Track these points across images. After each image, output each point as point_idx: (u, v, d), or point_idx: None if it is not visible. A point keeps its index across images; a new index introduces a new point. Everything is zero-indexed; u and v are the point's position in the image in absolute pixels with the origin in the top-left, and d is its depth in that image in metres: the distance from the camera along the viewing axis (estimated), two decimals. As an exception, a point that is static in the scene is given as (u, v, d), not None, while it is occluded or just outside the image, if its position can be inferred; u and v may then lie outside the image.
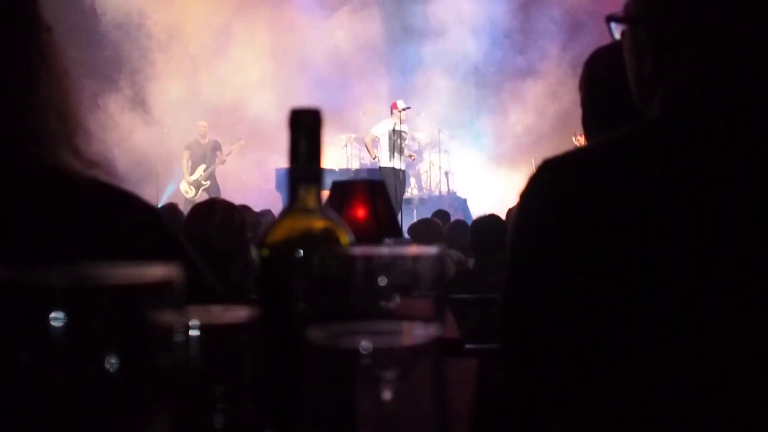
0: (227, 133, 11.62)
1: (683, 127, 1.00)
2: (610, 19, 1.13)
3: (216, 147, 10.90)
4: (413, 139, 11.96)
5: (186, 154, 10.81)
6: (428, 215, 8.14)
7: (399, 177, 9.88)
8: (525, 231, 1.04)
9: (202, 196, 10.54)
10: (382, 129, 9.95)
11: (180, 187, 10.78)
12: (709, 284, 0.90)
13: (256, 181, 11.81)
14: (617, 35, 1.14)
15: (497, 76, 12.34)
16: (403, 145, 9.93)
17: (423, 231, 5.23)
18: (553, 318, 0.98)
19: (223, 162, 10.88)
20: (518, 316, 1.03)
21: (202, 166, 10.69)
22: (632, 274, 0.92)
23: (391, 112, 10.02)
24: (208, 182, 10.73)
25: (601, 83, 1.84)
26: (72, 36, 1.12)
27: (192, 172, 10.75)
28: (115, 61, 11.01)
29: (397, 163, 9.91)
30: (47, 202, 1.01)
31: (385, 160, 9.93)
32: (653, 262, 0.92)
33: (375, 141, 10.09)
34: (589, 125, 1.77)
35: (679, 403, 0.88)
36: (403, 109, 9.92)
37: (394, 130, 9.85)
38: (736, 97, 1.01)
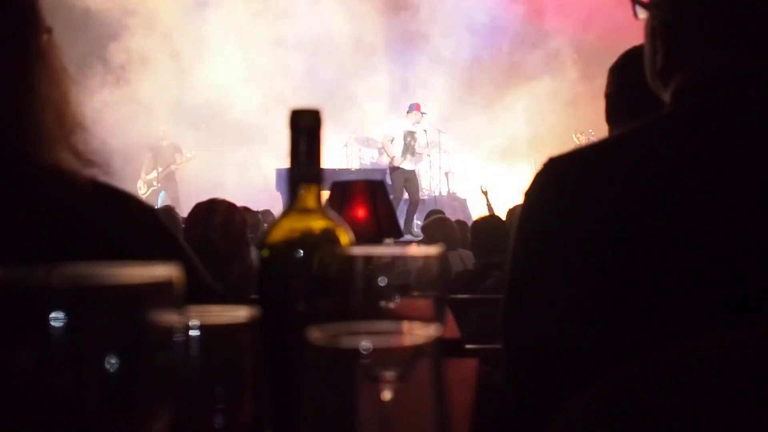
0: (215, 131, 11.65)
1: (689, 126, 1.00)
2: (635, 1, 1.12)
3: (176, 149, 11.09)
4: (414, 139, 11.98)
5: (149, 155, 11.03)
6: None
7: (412, 178, 10.01)
8: (528, 229, 1.03)
9: (151, 196, 10.77)
10: (397, 129, 10.01)
11: (137, 184, 10.96)
12: (715, 284, 0.90)
13: (244, 179, 11.80)
14: (641, 15, 1.13)
15: (497, 75, 12.33)
16: (414, 146, 10.03)
17: (436, 230, 5.20)
18: (555, 317, 0.98)
19: (177, 168, 11.05)
20: (520, 316, 1.03)
21: (159, 169, 10.90)
22: (636, 273, 0.92)
23: (408, 113, 10.06)
24: (159, 185, 10.91)
25: (621, 92, 1.84)
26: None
27: (150, 172, 10.95)
28: (91, 53, 10.88)
29: (408, 165, 9.98)
30: (46, 202, 1.01)
31: (397, 162, 10.00)
32: (657, 262, 0.92)
33: (392, 141, 10.11)
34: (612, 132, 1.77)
35: (679, 403, 0.88)
36: (424, 114, 10.08)
37: (408, 131, 9.95)
38: (744, 99, 1.01)
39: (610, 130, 1.80)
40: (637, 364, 0.91)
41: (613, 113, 1.82)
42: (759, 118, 0.98)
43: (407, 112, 10.11)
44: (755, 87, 1.01)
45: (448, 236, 4.95)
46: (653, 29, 1.09)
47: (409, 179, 9.99)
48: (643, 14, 1.13)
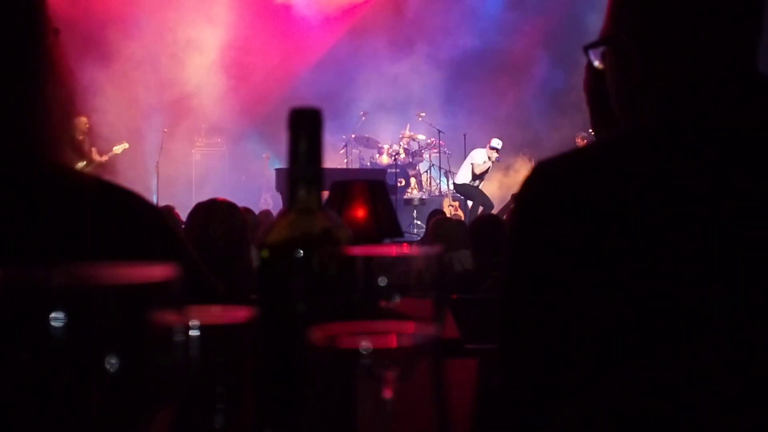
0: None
1: (677, 129, 1.00)
2: (588, 47, 1.15)
3: (91, 144, 10.46)
4: (414, 140, 11.99)
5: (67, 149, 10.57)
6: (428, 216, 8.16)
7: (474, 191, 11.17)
8: (520, 233, 1.04)
9: None
10: (479, 158, 11.19)
11: None
12: (705, 286, 0.90)
13: (243, 179, 11.76)
14: (597, 63, 1.16)
15: (499, 74, 12.32)
16: (484, 176, 11.30)
17: (442, 229, 5.16)
18: (550, 319, 0.98)
19: (102, 163, 10.41)
20: (516, 317, 1.03)
21: (82, 164, 10.07)
22: (627, 275, 0.92)
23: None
24: None
25: (602, 86, 1.84)
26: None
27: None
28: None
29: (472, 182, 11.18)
30: (50, 202, 1.02)
31: (465, 179, 11.21)
32: (648, 264, 0.92)
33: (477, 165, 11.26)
34: (596, 127, 1.78)
35: (677, 403, 0.88)
36: (493, 148, 11.18)
37: (484, 162, 11.14)
38: (730, 99, 1.01)
39: (598, 133, 1.79)
40: (633, 364, 0.91)
41: (599, 115, 1.82)
42: (747, 117, 0.99)
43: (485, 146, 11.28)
44: (739, 85, 1.02)
45: (452, 237, 4.93)
46: (619, 54, 1.11)
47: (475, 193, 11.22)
48: (598, 59, 1.15)
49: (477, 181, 11.31)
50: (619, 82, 1.12)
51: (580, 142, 9.99)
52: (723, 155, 0.96)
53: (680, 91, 1.03)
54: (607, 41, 1.13)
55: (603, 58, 1.15)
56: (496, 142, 11.19)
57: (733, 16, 1.03)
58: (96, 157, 10.43)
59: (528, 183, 1.05)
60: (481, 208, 11.02)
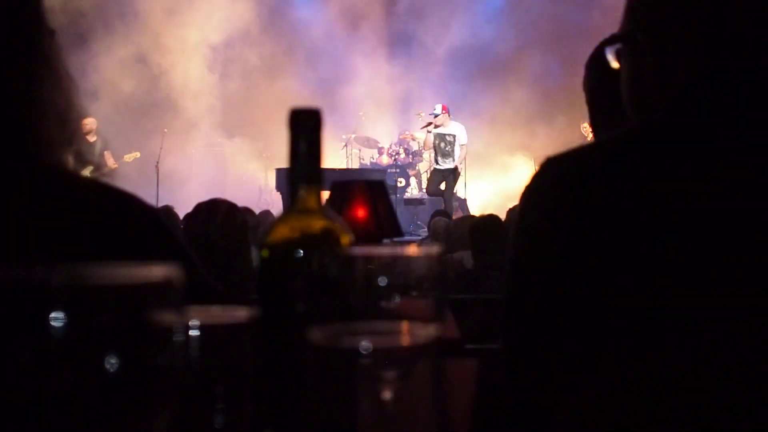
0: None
1: (689, 127, 1.00)
2: (604, 45, 1.15)
3: (104, 147, 9.88)
4: (413, 139, 11.99)
5: (71, 150, 9.91)
6: (428, 215, 8.16)
7: (448, 176, 10.17)
8: (527, 229, 1.04)
9: None
10: (421, 133, 10.45)
11: None
12: (711, 287, 0.90)
13: (243, 179, 11.74)
14: (613, 62, 1.16)
15: (498, 73, 12.31)
16: (447, 149, 10.19)
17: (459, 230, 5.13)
18: (554, 318, 0.98)
19: (112, 169, 9.82)
20: (520, 316, 1.03)
21: (90, 168, 9.43)
22: (635, 274, 0.92)
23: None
24: None
25: (601, 84, 1.84)
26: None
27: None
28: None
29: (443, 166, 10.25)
30: (48, 204, 1.01)
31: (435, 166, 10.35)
32: (656, 263, 0.92)
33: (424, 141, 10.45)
34: (594, 125, 1.77)
35: (676, 403, 0.88)
36: (430, 115, 10.32)
37: (435, 134, 10.21)
38: (744, 98, 1.01)
39: (597, 131, 1.79)
40: (634, 364, 0.91)
41: (595, 123, 1.82)
42: (760, 118, 0.99)
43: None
44: (754, 84, 1.01)
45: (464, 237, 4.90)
46: (634, 51, 1.10)
47: (448, 178, 10.27)
48: (614, 56, 1.15)
49: (443, 161, 10.20)
50: (632, 81, 1.12)
51: (586, 128, 9.96)
52: (736, 154, 0.95)
53: (693, 90, 1.03)
54: (623, 39, 1.12)
55: (618, 57, 1.15)
56: (435, 108, 10.34)
57: (747, 15, 1.03)
58: (110, 162, 9.91)
59: (536, 179, 1.05)
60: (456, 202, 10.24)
